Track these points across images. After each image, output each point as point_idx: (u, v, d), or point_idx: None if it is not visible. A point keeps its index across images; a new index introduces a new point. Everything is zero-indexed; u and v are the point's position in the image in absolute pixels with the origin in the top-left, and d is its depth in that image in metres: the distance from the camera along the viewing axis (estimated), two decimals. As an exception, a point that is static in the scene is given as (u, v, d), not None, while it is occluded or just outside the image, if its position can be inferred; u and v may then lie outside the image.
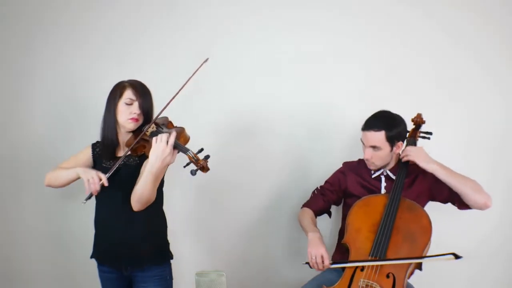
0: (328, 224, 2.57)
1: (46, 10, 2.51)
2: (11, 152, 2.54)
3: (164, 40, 2.56)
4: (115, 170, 1.96)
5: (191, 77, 1.98)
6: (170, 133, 1.83)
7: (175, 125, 2.05)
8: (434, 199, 2.25)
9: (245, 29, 2.58)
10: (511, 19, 2.62)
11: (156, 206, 2.04)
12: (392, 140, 2.18)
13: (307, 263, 2.12)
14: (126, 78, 2.05)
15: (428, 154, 2.18)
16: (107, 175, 1.93)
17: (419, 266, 2.14)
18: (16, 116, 2.54)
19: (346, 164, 2.39)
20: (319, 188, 2.40)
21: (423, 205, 2.24)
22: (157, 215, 2.10)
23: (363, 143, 2.23)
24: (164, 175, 2.04)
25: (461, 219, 2.60)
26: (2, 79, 2.52)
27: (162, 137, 1.82)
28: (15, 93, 2.52)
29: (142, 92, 1.99)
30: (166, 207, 2.15)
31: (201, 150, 1.85)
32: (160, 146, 1.81)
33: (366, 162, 2.26)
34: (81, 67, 2.53)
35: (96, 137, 2.10)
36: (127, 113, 1.98)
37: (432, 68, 2.63)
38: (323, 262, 2.08)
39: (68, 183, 2.07)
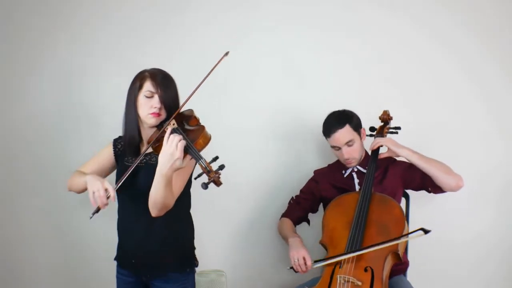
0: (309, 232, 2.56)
1: (57, 9, 2.50)
2: (22, 151, 2.52)
3: (178, 40, 2.56)
4: (135, 169, 1.83)
5: (211, 71, 1.82)
6: (181, 138, 1.67)
7: (199, 121, 1.86)
8: (407, 186, 2.29)
9: (240, 25, 2.60)
10: (494, 23, 2.65)
11: (179, 210, 1.90)
12: (357, 129, 2.28)
13: (291, 267, 2.16)
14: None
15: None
16: (117, 185, 1.77)
17: (397, 258, 2.14)
18: (23, 115, 2.52)
19: (317, 172, 2.44)
20: (294, 197, 2.44)
21: (400, 194, 2.29)
22: (180, 220, 1.96)
23: (336, 147, 2.27)
24: (191, 175, 1.91)
25: (455, 218, 2.62)
26: (10, 78, 2.51)
27: (174, 139, 1.66)
28: (21, 92, 2.51)
29: (163, 83, 1.84)
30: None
31: (216, 158, 1.65)
32: (169, 149, 1.65)
33: (346, 162, 2.29)
34: (90, 66, 2.51)
35: (106, 135, 2.03)
36: (148, 107, 1.83)
37: (425, 72, 2.66)
38: (305, 264, 2.12)
39: (84, 191, 1.90)
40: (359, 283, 2.01)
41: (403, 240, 2.02)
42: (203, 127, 1.79)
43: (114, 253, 2.07)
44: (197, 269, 2.06)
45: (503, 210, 2.65)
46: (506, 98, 2.65)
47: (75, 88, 2.52)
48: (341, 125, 2.24)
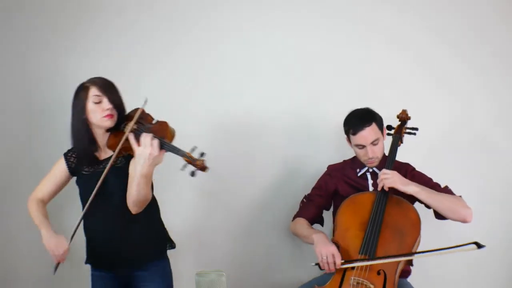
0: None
1: (57, 12, 2.48)
2: (13, 152, 2.48)
3: (176, 40, 2.53)
4: (93, 177, 1.91)
5: (136, 119, 1.87)
6: (152, 136, 1.76)
7: (153, 117, 1.93)
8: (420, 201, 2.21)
9: (240, 29, 2.58)
10: (493, 21, 2.68)
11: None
12: (381, 128, 2.23)
13: (317, 264, 2.08)
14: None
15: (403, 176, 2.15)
16: (69, 242, 1.88)
17: (410, 262, 2.14)
18: (22, 115, 2.49)
19: (331, 166, 2.39)
20: (306, 195, 2.38)
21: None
22: (150, 211, 1.99)
23: (360, 145, 2.20)
24: None
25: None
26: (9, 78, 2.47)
27: (146, 139, 1.75)
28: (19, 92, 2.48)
29: (106, 86, 1.92)
30: (165, 209, 2.13)
31: (195, 148, 1.76)
32: (145, 150, 1.74)
33: (369, 161, 2.22)
34: (84, 67, 2.41)
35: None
36: (100, 111, 1.89)
37: (423, 69, 2.67)
38: (334, 262, 2.03)
39: None
40: (371, 286, 1.99)
41: (452, 251, 1.94)
42: (166, 123, 1.86)
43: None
44: (197, 269, 2.08)
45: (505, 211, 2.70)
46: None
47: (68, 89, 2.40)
48: (368, 123, 2.17)
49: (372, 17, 2.62)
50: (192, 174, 1.72)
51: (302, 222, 2.28)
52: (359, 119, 2.20)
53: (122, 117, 1.93)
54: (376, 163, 2.25)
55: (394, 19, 2.64)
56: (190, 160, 1.74)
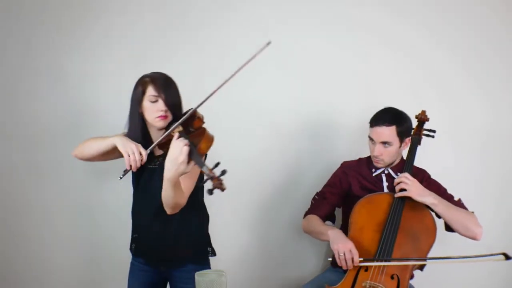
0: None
1: (57, 12, 2.37)
2: (28, 149, 2.39)
3: (180, 40, 2.46)
4: (150, 171, 1.90)
5: (250, 59, 1.74)
6: (187, 142, 1.66)
7: (203, 118, 1.85)
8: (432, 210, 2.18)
9: (240, 29, 2.50)
10: (496, 25, 2.68)
11: (192, 203, 1.91)
12: (402, 136, 2.15)
13: (333, 261, 2.01)
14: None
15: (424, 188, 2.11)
16: (148, 150, 1.79)
17: (420, 267, 2.12)
18: (29, 116, 2.39)
19: (345, 163, 2.32)
20: (318, 193, 2.30)
21: None
22: (194, 213, 1.98)
23: (372, 140, 2.16)
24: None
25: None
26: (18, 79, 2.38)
27: (179, 144, 1.65)
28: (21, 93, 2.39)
29: (165, 86, 1.84)
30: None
31: (217, 164, 1.62)
32: (173, 154, 1.65)
33: (374, 159, 2.19)
34: (91, 65, 2.39)
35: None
36: (154, 111, 1.83)
37: (423, 70, 2.65)
38: (352, 259, 1.96)
39: (99, 155, 1.92)
40: (384, 291, 1.96)
41: (479, 260, 1.90)
42: (204, 129, 1.78)
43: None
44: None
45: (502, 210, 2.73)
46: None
47: (76, 88, 2.39)
48: (388, 123, 2.10)
49: (372, 19, 2.59)
50: (210, 192, 1.58)
51: (315, 219, 2.20)
52: (384, 116, 2.14)
53: (177, 115, 1.84)
54: (381, 165, 2.20)
55: (394, 20, 2.60)
56: (209, 177, 1.60)
